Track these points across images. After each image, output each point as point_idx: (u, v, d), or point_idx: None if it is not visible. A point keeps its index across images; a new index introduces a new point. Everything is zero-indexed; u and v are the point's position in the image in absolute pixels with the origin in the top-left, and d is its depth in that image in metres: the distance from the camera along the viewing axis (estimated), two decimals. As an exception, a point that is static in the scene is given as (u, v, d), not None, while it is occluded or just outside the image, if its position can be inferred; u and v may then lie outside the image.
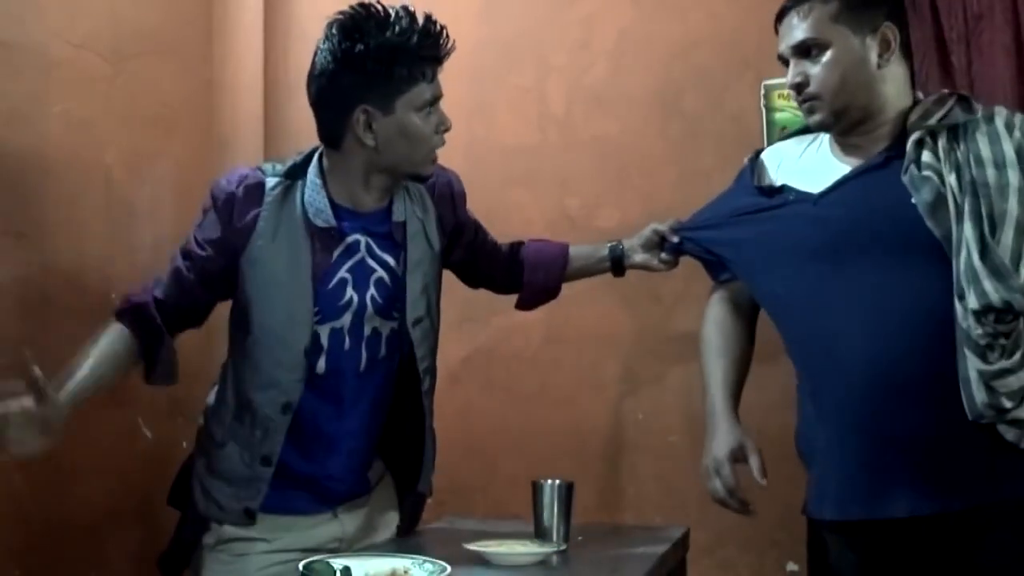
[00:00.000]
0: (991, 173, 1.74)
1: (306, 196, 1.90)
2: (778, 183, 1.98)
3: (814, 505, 1.91)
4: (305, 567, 1.60)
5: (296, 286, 1.87)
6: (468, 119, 2.81)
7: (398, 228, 1.95)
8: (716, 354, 2.10)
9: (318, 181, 1.91)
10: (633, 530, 2.24)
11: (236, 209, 1.88)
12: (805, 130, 2.02)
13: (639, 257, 2.22)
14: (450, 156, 2.78)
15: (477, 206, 2.78)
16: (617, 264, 2.24)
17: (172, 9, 2.62)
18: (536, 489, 1.99)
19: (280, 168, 1.93)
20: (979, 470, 1.74)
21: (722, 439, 1.98)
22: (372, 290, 1.92)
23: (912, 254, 1.78)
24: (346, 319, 1.91)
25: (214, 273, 1.91)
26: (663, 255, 2.22)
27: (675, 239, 2.19)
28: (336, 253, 1.90)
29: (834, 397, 1.85)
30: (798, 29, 1.89)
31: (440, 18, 2.83)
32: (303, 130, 2.88)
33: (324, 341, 1.90)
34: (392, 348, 1.96)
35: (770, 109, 2.54)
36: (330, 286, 1.89)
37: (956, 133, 1.80)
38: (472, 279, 2.23)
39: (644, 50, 2.70)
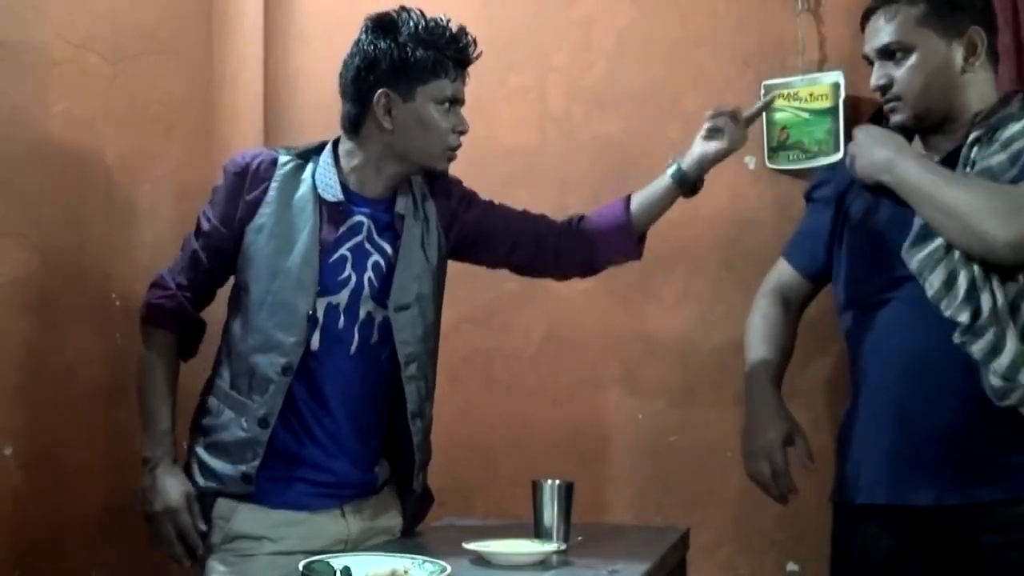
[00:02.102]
0: (997, 159, 1.81)
1: (317, 173, 1.97)
2: None
3: (845, 490, 1.95)
4: (305, 567, 1.60)
5: (305, 253, 1.92)
6: (468, 119, 2.80)
7: (398, 219, 2.00)
8: (760, 340, 2.13)
9: (330, 160, 1.99)
10: (633, 530, 2.24)
11: (248, 182, 1.96)
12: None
13: (699, 151, 2.10)
14: (450, 156, 2.81)
15: (477, 206, 2.79)
16: (683, 181, 2.11)
17: (172, 9, 2.62)
18: (536, 489, 1.99)
19: (293, 151, 2.02)
20: (1008, 463, 1.77)
21: (772, 422, 1.99)
22: (370, 272, 1.97)
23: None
24: (343, 296, 1.94)
25: (227, 249, 1.98)
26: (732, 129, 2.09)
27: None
28: (341, 230, 1.96)
29: (874, 384, 1.91)
30: (884, 31, 1.90)
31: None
32: (303, 130, 2.91)
33: (320, 315, 1.93)
34: (384, 338, 1.98)
35: (770, 109, 2.54)
36: (331, 260, 1.94)
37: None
38: (504, 255, 2.17)
39: (644, 50, 2.70)
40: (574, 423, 2.70)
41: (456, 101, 1.98)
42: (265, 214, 1.94)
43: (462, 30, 1.97)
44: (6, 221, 2.11)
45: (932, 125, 1.92)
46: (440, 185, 2.10)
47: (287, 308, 1.92)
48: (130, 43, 2.44)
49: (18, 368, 2.13)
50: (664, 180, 2.13)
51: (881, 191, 1.94)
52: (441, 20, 1.96)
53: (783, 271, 2.19)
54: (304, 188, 1.96)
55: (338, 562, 1.63)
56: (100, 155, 2.36)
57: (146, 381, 2.00)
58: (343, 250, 1.95)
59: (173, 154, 2.58)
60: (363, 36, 1.95)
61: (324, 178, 1.97)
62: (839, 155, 2.45)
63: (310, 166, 1.99)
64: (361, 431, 2.00)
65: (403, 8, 1.96)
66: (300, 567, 1.60)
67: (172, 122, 2.59)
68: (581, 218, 2.17)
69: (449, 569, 1.63)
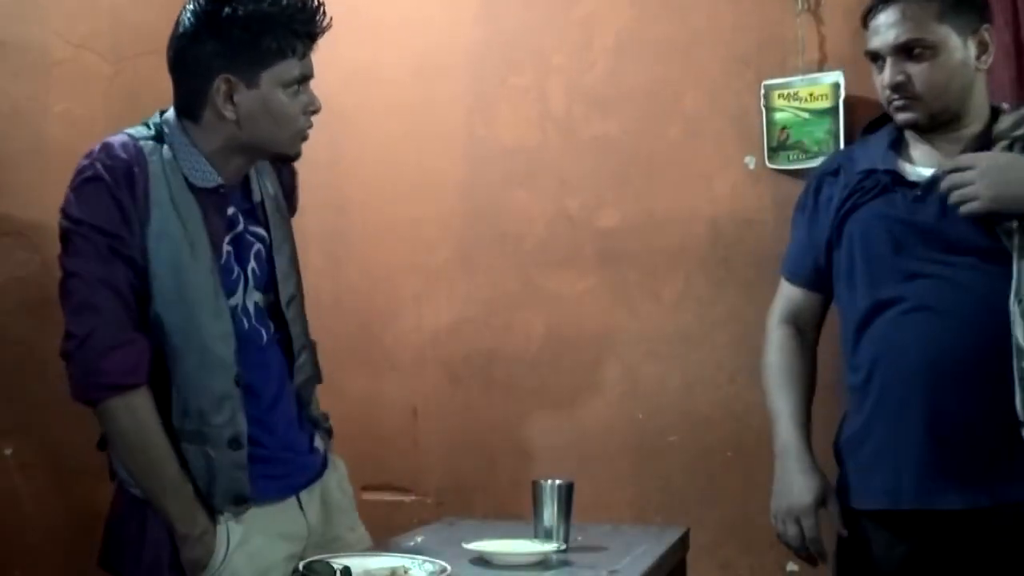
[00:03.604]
0: None
1: (179, 158, 1.73)
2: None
3: (857, 496, 1.91)
4: (305, 567, 1.60)
5: (203, 256, 1.71)
6: (468, 119, 2.81)
7: (260, 206, 1.86)
8: (784, 385, 2.02)
9: (186, 140, 1.74)
10: (633, 530, 2.24)
11: (136, 179, 1.68)
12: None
13: None
14: (450, 156, 2.82)
15: (477, 206, 2.79)
16: None
17: (172, 9, 2.58)
18: (536, 489, 1.98)
19: (143, 131, 1.76)
20: None
21: (805, 484, 1.92)
22: (252, 263, 1.82)
23: (975, 255, 1.81)
24: (239, 296, 1.78)
25: (140, 262, 1.67)
26: None
27: None
28: (223, 224, 1.77)
29: (892, 388, 1.86)
30: (900, 27, 1.85)
31: (440, 18, 2.87)
32: (303, 130, 2.91)
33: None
34: (277, 324, 1.86)
35: (770, 109, 2.54)
36: (222, 259, 1.76)
37: None
38: None
39: (644, 50, 2.70)
40: (574, 423, 2.70)
41: (305, 79, 1.75)
42: (157, 217, 1.69)
43: (302, 2, 1.72)
44: (6, 221, 2.11)
45: (938, 125, 1.90)
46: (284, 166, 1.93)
47: (213, 312, 1.71)
48: (130, 43, 2.44)
49: (18, 368, 2.13)
50: None
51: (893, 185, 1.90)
52: None
53: (789, 294, 2.09)
54: (178, 178, 1.72)
55: (338, 562, 1.63)
56: (100, 155, 2.36)
57: (144, 427, 1.71)
58: (226, 245, 1.77)
59: (173, 154, 2.58)
60: (194, 5, 1.71)
61: (190, 162, 1.73)
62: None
63: (164, 149, 1.73)
64: (289, 419, 1.88)
65: None
66: (300, 567, 1.60)
67: (172, 122, 2.59)
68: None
69: (449, 569, 1.63)
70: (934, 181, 1.85)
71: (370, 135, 2.86)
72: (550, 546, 1.90)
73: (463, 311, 2.65)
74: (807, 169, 2.50)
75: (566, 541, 1.95)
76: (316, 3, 1.74)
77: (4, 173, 2.10)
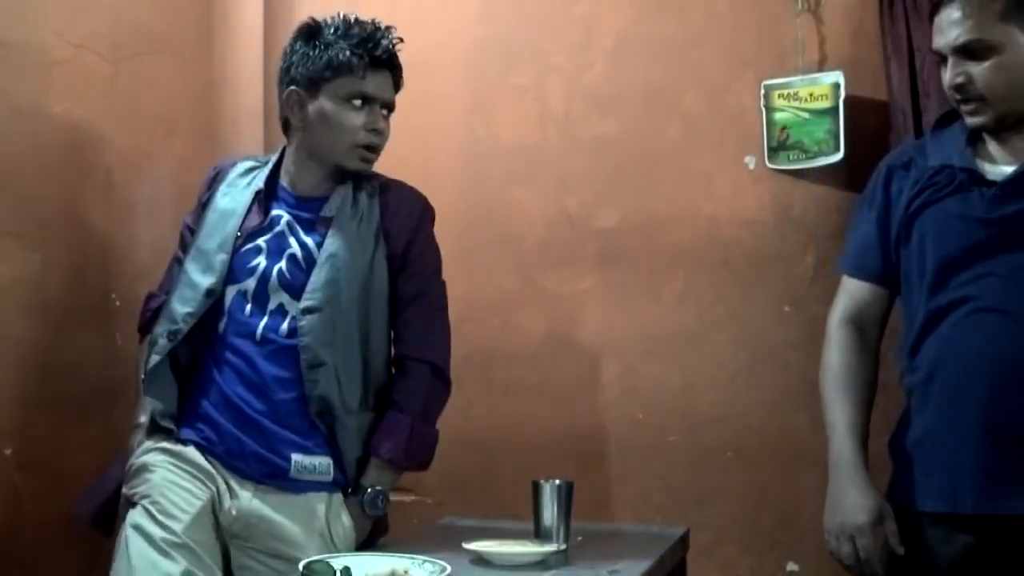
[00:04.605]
0: None
1: (261, 170, 2.08)
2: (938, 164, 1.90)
3: (914, 495, 1.84)
4: (305, 567, 1.60)
5: (223, 239, 1.99)
6: (468, 119, 2.81)
7: (323, 221, 2.01)
8: (844, 391, 1.92)
9: (275, 158, 2.09)
10: (633, 530, 2.24)
11: (207, 180, 2.11)
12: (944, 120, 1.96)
13: None
14: (450, 156, 2.82)
15: (477, 205, 2.79)
16: None
17: (172, 9, 2.62)
18: (536, 489, 1.98)
19: (264, 157, 2.13)
20: None
21: (862, 501, 1.83)
22: (283, 263, 1.98)
23: None
24: (250, 283, 1.97)
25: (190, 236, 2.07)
26: None
27: None
28: (262, 222, 2.01)
29: (953, 389, 1.81)
30: (962, 27, 1.79)
31: (440, 18, 2.87)
32: (303, 130, 2.91)
33: (227, 301, 1.97)
34: (295, 331, 1.94)
35: (770, 109, 2.54)
36: (245, 249, 1.99)
37: None
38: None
39: (644, 50, 2.70)
40: (574, 423, 2.70)
41: (370, 99, 1.99)
42: (209, 208, 2.05)
43: (381, 29, 2.01)
44: (6, 221, 2.11)
45: (1007, 126, 1.83)
46: (398, 198, 2.06)
47: (192, 285, 1.97)
48: (130, 43, 2.44)
49: (18, 368, 2.13)
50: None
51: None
52: (366, 21, 2.01)
53: (852, 290, 1.98)
54: (249, 184, 2.05)
55: (337, 562, 1.63)
56: (100, 155, 2.36)
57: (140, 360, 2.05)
58: (260, 240, 1.99)
59: (173, 154, 2.58)
60: (288, 40, 2.05)
61: (263, 172, 2.06)
62: (839, 155, 2.45)
63: (267, 166, 2.08)
64: (274, 413, 1.93)
65: (339, 13, 2.02)
66: (300, 567, 1.60)
67: (172, 122, 2.59)
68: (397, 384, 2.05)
69: (449, 569, 1.63)
70: (1015, 180, 1.80)
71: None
72: (550, 546, 1.90)
73: (463, 311, 2.64)
74: (807, 169, 2.51)
75: (566, 541, 1.96)
76: (383, 35, 2.00)
77: (4, 173, 2.10)
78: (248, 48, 2.82)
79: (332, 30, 1.99)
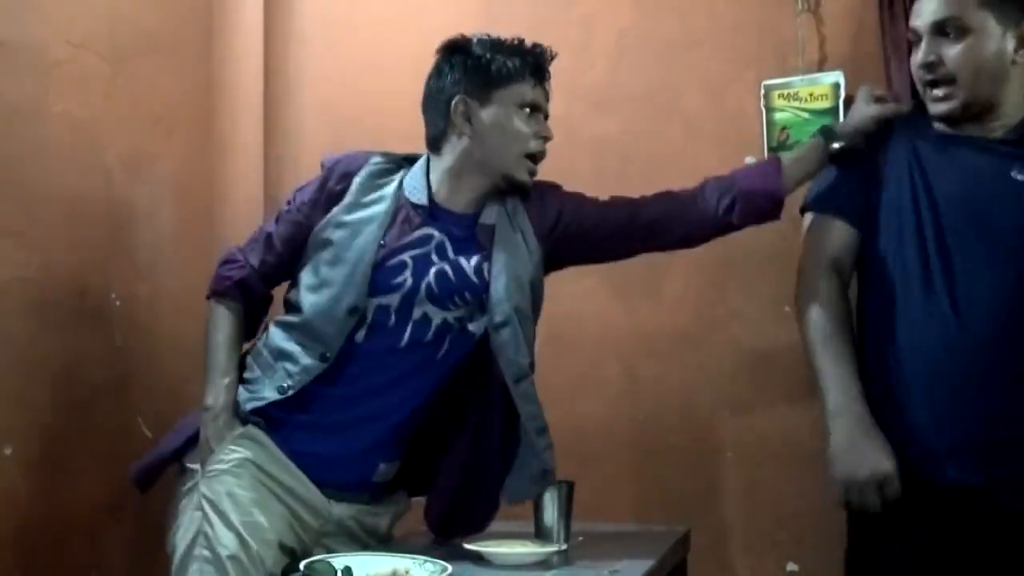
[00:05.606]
0: None
1: (407, 177, 1.97)
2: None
3: (926, 468, 1.85)
4: (306, 567, 1.60)
5: (362, 251, 1.90)
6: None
7: (484, 231, 1.96)
8: (836, 343, 1.93)
9: (423, 166, 1.98)
10: (633, 530, 2.24)
11: (336, 174, 1.97)
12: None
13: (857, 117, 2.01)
14: (450, 156, 2.81)
15: (477, 206, 2.78)
16: (829, 135, 2.03)
17: (172, 9, 2.62)
18: (536, 489, 1.99)
19: (388, 156, 2.01)
20: None
21: (882, 448, 1.82)
22: (431, 278, 1.91)
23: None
24: (394, 299, 1.90)
25: (299, 238, 1.97)
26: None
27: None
28: (410, 237, 1.92)
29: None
30: (941, 5, 1.84)
31: (440, 18, 2.87)
32: (303, 129, 2.91)
33: (369, 315, 1.89)
34: (441, 338, 1.93)
35: (770, 109, 2.54)
36: (390, 263, 1.90)
37: None
38: (622, 240, 2.11)
39: (644, 50, 2.70)
40: (574, 423, 2.69)
41: (537, 108, 1.95)
42: (342, 206, 1.93)
43: (535, 42, 1.97)
44: (6, 221, 2.11)
45: (968, 117, 1.87)
46: (534, 196, 2.03)
47: (335, 299, 1.89)
48: (130, 43, 2.44)
49: (18, 368, 2.13)
50: (812, 139, 2.05)
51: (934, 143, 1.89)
52: (510, 37, 1.98)
53: (833, 232, 1.99)
54: (386, 189, 1.95)
55: (338, 562, 1.63)
56: (100, 155, 2.36)
57: (212, 332, 1.98)
58: (406, 256, 1.91)
59: (173, 154, 2.58)
60: (438, 58, 1.98)
61: (414, 181, 1.96)
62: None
63: (401, 171, 1.98)
64: (380, 426, 1.94)
65: (482, 32, 1.99)
66: (301, 567, 1.61)
67: (172, 122, 2.59)
68: (719, 179, 2.08)
69: (449, 569, 1.63)
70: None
71: (370, 135, 2.85)
72: (550, 547, 1.90)
73: (463, 311, 2.65)
74: (807, 169, 2.50)
75: (566, 541, 1.96)
76: (542, 46, 1.97)
77: (4, 173, 2.10)
78: (248, 48, 2.82)
79: (485, 43, 1.96)
